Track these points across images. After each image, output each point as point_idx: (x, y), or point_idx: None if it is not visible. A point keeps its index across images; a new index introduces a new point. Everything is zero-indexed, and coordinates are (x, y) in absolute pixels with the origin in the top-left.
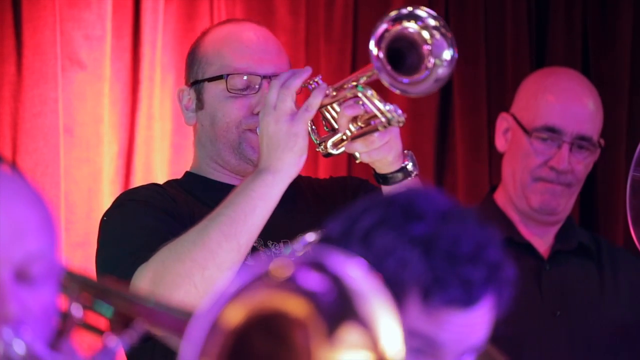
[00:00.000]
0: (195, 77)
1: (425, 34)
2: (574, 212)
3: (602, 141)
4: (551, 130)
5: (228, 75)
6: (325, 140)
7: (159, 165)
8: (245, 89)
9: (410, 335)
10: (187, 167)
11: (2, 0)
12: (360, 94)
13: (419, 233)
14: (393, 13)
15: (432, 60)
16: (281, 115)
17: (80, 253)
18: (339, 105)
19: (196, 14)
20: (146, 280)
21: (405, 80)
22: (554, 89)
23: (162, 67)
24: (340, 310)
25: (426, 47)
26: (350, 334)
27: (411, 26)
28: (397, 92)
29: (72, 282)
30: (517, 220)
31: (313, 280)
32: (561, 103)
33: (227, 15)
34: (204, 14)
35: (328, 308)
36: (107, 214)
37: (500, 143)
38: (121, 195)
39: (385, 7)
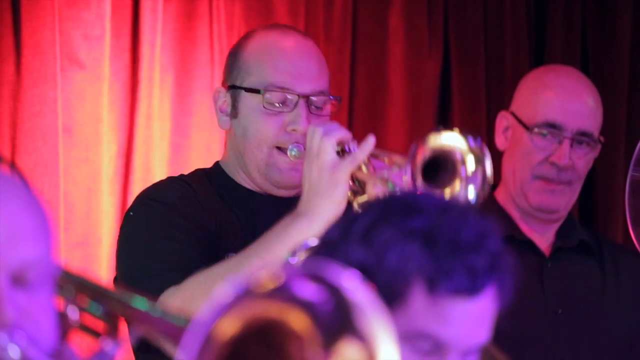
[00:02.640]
0: (234, 82)
1: (470, 161)
2: (573, 211)
3: (601, 138)
4: (552, 125)
5: (265, 90)
6: (353, 192)
7: (158, 165)
8: (282, 104)
9: (418, 337)
10: (187, 167)
11: (1, 0)
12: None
13: (419, 226)
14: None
15: (462, 185)
16: (323, 164)
17: (79, 253)
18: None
19: (195, 14)
20: (173, 306)
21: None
22: (554, 85)
23: (161, 67)
24: (337, 322)
25: (463, 170)
26: (346, 347)
27: (460, 147)
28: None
29: (68, 284)
30: (518, 217)
31: (310, 292)
32: (561, 99)
33: (226, 15)
34: (203, 13)
35: (325, 320)
36: (133, 209)
37: (500, 141)
38: (148, 191)
39: (384, 7)
